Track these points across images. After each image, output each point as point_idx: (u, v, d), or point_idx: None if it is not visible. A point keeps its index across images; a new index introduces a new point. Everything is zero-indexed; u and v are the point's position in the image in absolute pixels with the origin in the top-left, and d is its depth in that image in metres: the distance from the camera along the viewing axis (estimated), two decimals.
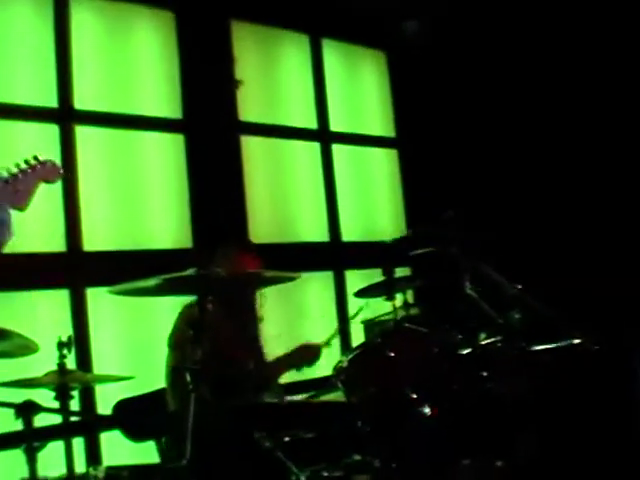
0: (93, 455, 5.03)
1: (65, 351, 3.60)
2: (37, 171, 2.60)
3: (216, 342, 3.21)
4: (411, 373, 3.78)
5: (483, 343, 4.03)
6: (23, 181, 2.55)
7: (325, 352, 4.68)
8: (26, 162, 2.60)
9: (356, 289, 4.88)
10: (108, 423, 4.84)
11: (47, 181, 2.61)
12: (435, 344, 3.90)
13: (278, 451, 3.35)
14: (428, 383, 3.80)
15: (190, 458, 2.97)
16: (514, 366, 3.95)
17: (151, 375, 4.66)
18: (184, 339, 3.25)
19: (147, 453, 4.43)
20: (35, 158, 2.60)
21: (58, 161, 4.95)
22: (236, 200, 6.06)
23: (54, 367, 3.71)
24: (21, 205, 2.56)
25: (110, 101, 5.55)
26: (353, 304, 6.52)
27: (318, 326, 6.41)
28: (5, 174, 2.52)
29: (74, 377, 3.72)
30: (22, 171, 2.58)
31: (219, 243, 4.49)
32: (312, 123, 6.84)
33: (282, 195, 6.50)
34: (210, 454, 3.18)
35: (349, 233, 6.93)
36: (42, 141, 5.21)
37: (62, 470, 3.74)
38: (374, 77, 7.50)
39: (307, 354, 4.56)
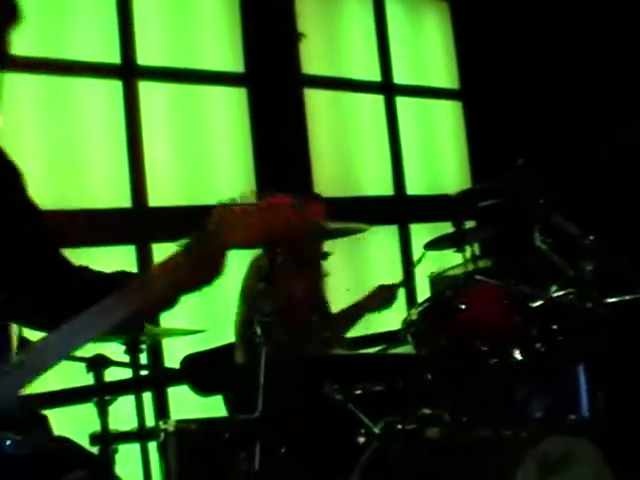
0: (161, 409, 5.07)
1: None
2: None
3: (285, 295, 3.19)
4: (482, 326, 3.72)
5: (554, 295, 3.96)
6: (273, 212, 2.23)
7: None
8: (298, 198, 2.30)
9: (421, 243, 4.83)
10: (177, 377, 4.86)
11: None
12: (506, 296, 3.83)
13: (350, 404, 3.33)
14: (499, 336, 3.74)
15: (261, 411, 2.96)
16: (586, 319, 3.88)
17: (218, 329, 4.68)
18: (254, 291, 3.23)
19: (214, 407, 4.47)
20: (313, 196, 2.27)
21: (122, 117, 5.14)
22: (300, 154, 6.02)
23: None
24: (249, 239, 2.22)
25: (172, 56, 5.53)
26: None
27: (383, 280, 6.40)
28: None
29: (145, 331, 3.73)
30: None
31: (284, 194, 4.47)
32: (375, 75, 6.76)
33: (346, 148, 6.45)
34: (281, 407, 3.17)
35: (414, 186, 6.86)
36: (106, 97, 5.22)
37: (132, 424, 3.78)
38: (437, 28, 7.38)
39: (384, 295, 4.55)
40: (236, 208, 2.23)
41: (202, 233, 2.15)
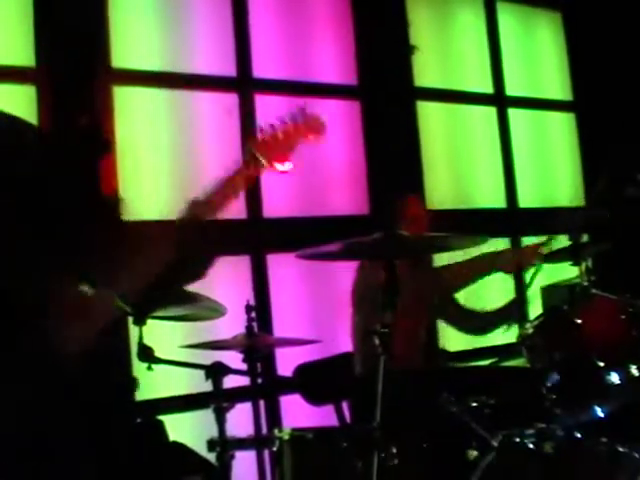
0: (274, 417, 5.13)
1: (253, 314, 3.67)
2: (302, 126, 2.47)
3: (403, 305, 3.20)
4: (599, 340, 3.68)
5: None
6: (285, 136, 2.45)
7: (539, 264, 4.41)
8: (292, 116, 2.48)
9: None
10: (290, 386, 4.92)
11: (313, 136, 2.47)
12: (623, 310, 3.78)
13: (466, 416, 3.33)
14: (616, 351, 3.70)
15: (379, 421, 2.98)
16: None
17: (331, 339, 4.73)
18: (371, 301, 3.25)
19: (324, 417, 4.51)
20: (301, 110, 2.48)
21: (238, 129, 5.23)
22: (413, 166, 6.03)
23: (235, 331, 3.80)
24: (283, 158, 2.44)
25: (287, 68, 5.61)
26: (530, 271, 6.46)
27: (495, 293, 6.36)
28: (267, 130, 2.46)
29: (262, 340, 3.79)
30: (287, 125, 2.46)
31: (393, 202, 4.53)
32: (488, 87, 6.73)
33: (458, 160, 6.45)
34: (397, 418, 3.19)
35: (526, 199, 6.81)
36: (222, 110, 5.31)
37: (248, 431, 3.83)
38: (550, 39, 7.32)
39: (522, 257, 4.43)
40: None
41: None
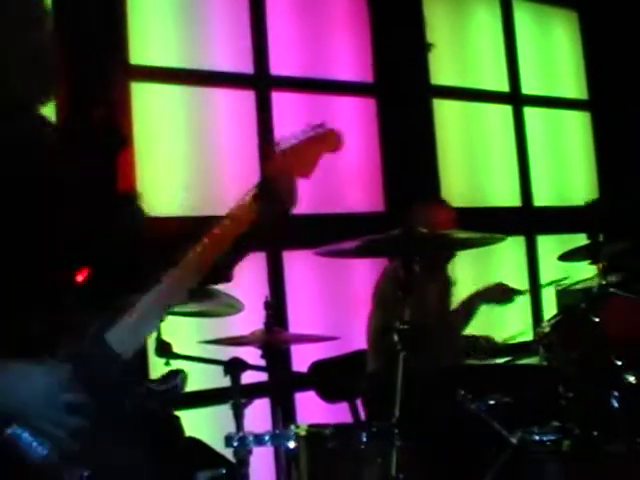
0: (289, 414, 5.13)
1: (271, 311, 3.68)
2: (320, 139, 2.41)
3: (421, 303, 3.22)
4: (616, 340, 3.68)
5: None
6: (306, 149, 2.38)
7: (518, 299, 4.65)
8: (311, 129, 2.42)
9: (548, 254, 4.80)
10: (305, 383, 4.92)
11: (330, 150, 2.41)
12: None
13: (484, 414, 3.34)
14: (633, 350, 3.70)
15: (398, 418, 2.99)
16: None
17: (347, 337, 4.74)
18: (391, 299, 3.26)
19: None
20: (320, 126, 2.42)
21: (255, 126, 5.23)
22: (428, 164, 6.03)
23: (250, 327, 3.81)
24: (306, 173, 2.37)
25: (305, 66, 5.62)
26: (545, 270, 6.47)
27: None
28: (290, 142, 2.37)
29: (280, 336, 3.80)
30: (306, 138, 2.39)
31: (415, 202, 4.51)
32: (504, 86, 6.73)
33: (474, 159, 6.44)
34: (415, 415, 3.20)
35: (541, 197, 6.81)
36: (238, 107, 5.32)
37: (264, 427, 3.84)
38: (566, 38, 7.31)
39: (500, 292, 4.54)
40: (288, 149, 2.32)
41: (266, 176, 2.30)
